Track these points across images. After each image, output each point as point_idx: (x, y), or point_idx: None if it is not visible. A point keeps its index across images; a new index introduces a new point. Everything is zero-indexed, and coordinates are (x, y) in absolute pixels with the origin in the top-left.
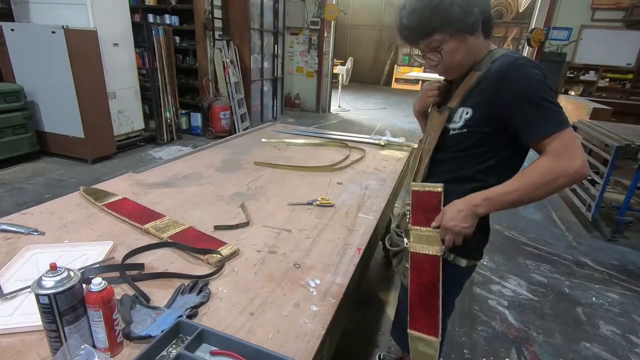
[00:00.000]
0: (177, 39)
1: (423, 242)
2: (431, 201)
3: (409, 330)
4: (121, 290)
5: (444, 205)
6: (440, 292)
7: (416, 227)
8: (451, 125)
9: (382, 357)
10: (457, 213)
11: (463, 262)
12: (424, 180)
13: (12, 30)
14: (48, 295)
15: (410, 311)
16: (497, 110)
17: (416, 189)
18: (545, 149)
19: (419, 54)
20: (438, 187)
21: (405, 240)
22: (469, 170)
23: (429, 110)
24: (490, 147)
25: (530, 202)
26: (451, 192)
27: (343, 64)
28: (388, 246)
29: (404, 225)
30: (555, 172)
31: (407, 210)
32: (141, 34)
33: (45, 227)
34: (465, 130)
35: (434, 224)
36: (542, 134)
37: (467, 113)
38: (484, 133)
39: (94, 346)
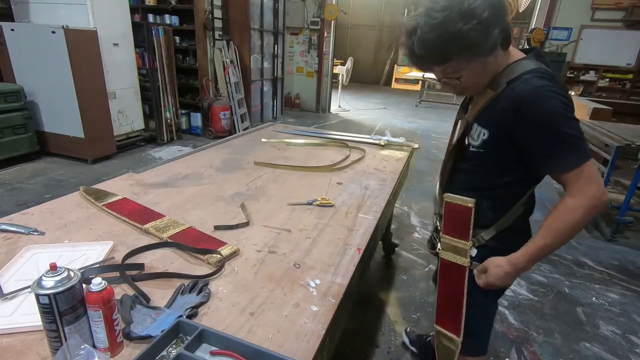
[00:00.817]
0: (177, 39)
1: (452, 252)
2: (462, 215)
3: (434, 324)
4: (121, 290)
5: (474, 219)
6: (465, 299)
7: (447, 237)
8: (471, 142)
9: (407, 330)
10: (505, 275)
11: None
12: (445, 186)
13: (12, 30)
14: (48, 295)
15: (437, 308)
16: (514, 138)
17: (449, 200)
18: (567, 185)
19: (434, 77)
20: (469, 203)
21: (439, 245)
22: (488, 183)
23: None
24: (508, 164)
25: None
26: (474, 198)
27: (343, 64)
28: (428, 249)
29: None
30: (585, 213)
31: (439, 216)
32: (141, 34)
33: (45, 227)
34: (482, 150)
35: (480, 282)
36: (563, 169)
37: (484, 134)
38: (502, 153)
39: (94, 346)
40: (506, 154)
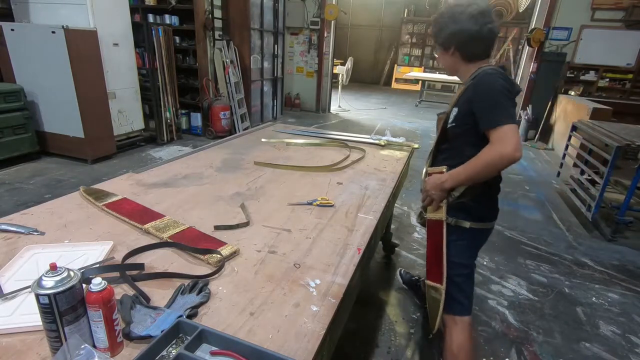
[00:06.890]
0: (177, 39)
1: (433, 211)
2: None
3: (426, 280)
4: (121, 290)
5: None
6: (445, 250)
7: None
8: (449, 122)
9: (402, 272)
10: (433, 183)
11: (467, 224)
12: (430, 165)
13: (12, 30)
14: (48, 295)
15: (427, 266)
16: (473, 107)
17: (429, 171)
18: (489, 138)
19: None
20: (443, 169)
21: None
22: (459, 157)
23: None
24: (471, 138)
25: (482, 179)
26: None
27: (343, 64)
28: (418, 222)
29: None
30: (492, 156)
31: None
32: (141, 34)
33: (45, 227)
34: (454, 124)
35: (422, 186)
36: (489, 125)
37: (455, 111)
38: (467, 126)
39: (94, 346)
40: (470, 124)
